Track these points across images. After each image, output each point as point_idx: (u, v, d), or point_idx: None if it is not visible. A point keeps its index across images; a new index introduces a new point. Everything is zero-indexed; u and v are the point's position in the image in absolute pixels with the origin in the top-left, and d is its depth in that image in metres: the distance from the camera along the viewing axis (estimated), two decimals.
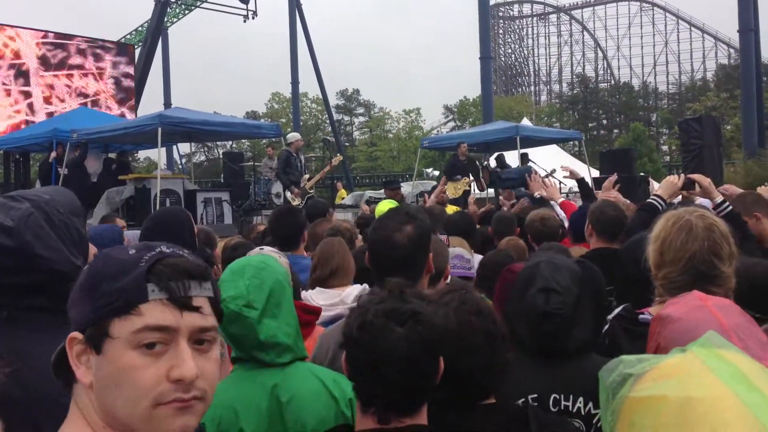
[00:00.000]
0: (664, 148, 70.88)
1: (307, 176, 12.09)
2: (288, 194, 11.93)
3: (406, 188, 15.50)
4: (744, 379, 0.86)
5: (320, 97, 42.09)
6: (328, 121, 50.03)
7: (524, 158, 14.49)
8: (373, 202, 11.81)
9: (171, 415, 1.03)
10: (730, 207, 3.58)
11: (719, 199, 3.64)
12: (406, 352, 1.45)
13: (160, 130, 11.80)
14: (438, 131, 67.81)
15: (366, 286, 3.07)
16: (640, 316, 2.31)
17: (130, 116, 22.64)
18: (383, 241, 2.29)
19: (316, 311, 2.81)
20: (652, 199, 3.77)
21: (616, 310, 2.67)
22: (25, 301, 1.46)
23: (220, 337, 1.23)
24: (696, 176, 3.83)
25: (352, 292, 3.11)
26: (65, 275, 1.48)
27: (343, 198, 18.43)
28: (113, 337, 1.03)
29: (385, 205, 6.58)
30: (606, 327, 2.62)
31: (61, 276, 1.47)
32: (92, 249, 1.70)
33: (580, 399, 2.05)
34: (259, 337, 1.95)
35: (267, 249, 3.17)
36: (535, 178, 6.31)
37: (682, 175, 3.90)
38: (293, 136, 12.86)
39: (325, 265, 3.33)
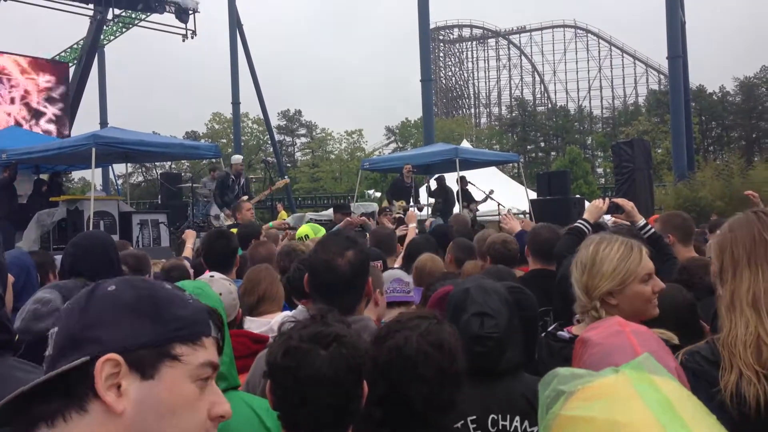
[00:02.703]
0: (600, 170, 72.99)
1: (246, 197, 11.84)
2: (222, 216, 11.85)
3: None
4: (670, 407, 0.88)
5: (261, 117, 41.75)
6: (269, 142, 49.65)
7: (462, 181, 14.68)
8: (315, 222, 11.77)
9: None
10: (653, 229, 3.72)
11: (641, 222, 3.78)
12: (331, 374, 1.46)
13: (94, 150, 11.49)
14: (380, 152, 68.18)
15: (288, 313, 3.05)
16: (558, 332, 2.37)
17: (63, 136, 22.00)
18: (324, 264, 2.29)
19: (264, 339, 2.76)
20: (579, 223, 3.87)
21: (550, 329, 2.74)
22: None
23: None
24: (619, 200, 3.96)
25: (281, 319, 3.08)
26: None
27: (284, 219, 18.28)
28: (182, 362, 1.01)
29: (305, 229, 6.47)
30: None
31: None
32: (10, 278, 1.64)
33: (517, 418, 2.10)
34: None
35: (217, 275, 3.15)
36: (506, 218, 6.09)
37: (607, 199, 4.03)
38: (235, 158, 13.00)
39: (252, 292, 3.30)
